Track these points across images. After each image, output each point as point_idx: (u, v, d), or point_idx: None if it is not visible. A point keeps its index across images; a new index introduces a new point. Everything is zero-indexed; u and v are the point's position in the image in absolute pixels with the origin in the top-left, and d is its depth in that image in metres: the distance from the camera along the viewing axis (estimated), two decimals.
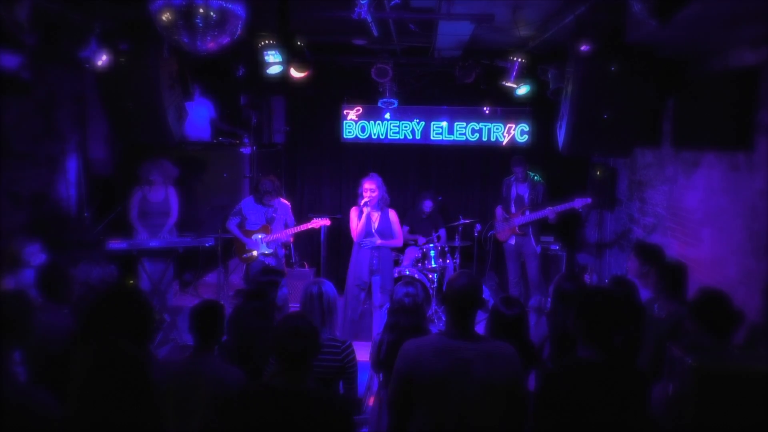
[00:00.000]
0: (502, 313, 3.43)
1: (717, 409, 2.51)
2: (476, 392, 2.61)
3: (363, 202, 5.98)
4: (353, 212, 6.12)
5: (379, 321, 6.15)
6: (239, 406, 2.54)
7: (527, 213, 6.96)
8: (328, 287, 3.66)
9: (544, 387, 2.70)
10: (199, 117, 7.31)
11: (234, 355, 3.63)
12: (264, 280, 4.09)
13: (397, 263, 7.40)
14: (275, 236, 6.30)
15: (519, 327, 3.44)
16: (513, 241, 7.17)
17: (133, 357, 2.11)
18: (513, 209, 7.12)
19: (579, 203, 6.67)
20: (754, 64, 4.44)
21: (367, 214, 6.03)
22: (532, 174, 7.15)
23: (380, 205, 6.08)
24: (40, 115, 5.72)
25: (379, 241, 6.06)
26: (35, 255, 4.45)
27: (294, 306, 4.13)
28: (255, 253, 6.29)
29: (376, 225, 6.09)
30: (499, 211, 7.30)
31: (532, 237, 7.07)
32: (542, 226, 7.11)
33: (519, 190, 7.13)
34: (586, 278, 7.31)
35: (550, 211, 6.72)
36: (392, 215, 6.17)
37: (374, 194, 5.98)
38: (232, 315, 3.95)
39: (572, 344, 2.77)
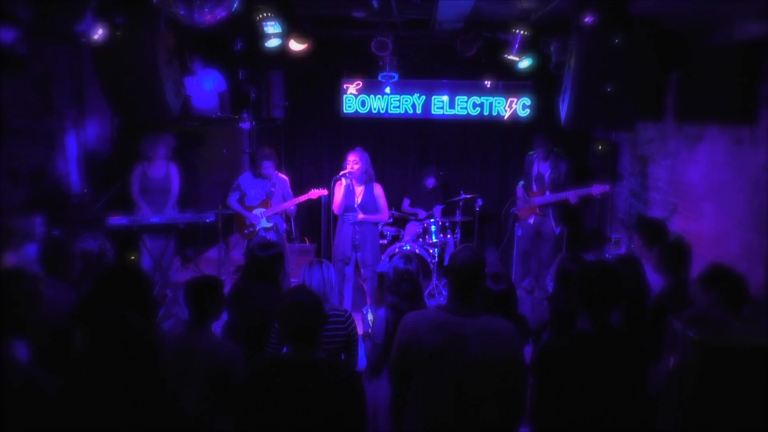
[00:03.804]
0: (489, 289, 3.43)
1: (718, 383, 2.51)
2: (471, 368, 2.63)
3: (343, 172, 5.95)
4: (337, 185, 6.07)
5: (373, 293, 6.20)
6: (255, 381, 2.59)
7: (547, 193, 6.74)
8: (327, 267, 3.69)
9: (540, 360, 2.71)
10: (204, 88, 7.24)
11: (242, 336, 3.61)
12: (266, 255, 3.95)
13: (397, 238, 7.41)
14: (275, 209, 6.29)
15: (506, 302, 3.46)
16: (532, 221, 6.95)
17: (140, 331, 2.10)
18: (534, 187, 6.90)
19: (597, 189, 6.45)
20: (760, 36, 4.38)
21: (349, 186, 5.98)
22: (557, 150, 6.84)
23: (363, 179, 6.03)
24: (36, 91, 5.66)
25: (360, 216, 6.02)
26: (39, 227, 4.44)
27: (295, 282, 4.12)
28: (256, 227, 6.29)
29: (359, 199, 6.06)
30: (519, 189, 7.07)
31: (551, 218, 6.85)
32: (564, 208, 6.86)
33: (540, 168, 6.86)
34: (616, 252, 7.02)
35: (572, 195, 6.51)
36: (377, 189, 6.11)
37: (357, 166, 5.93)
38: (237, 295, 3.90)
39: (573, 326, 2.78)
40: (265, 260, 3.92)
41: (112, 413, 1.97)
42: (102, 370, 2.01)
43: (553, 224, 6.87)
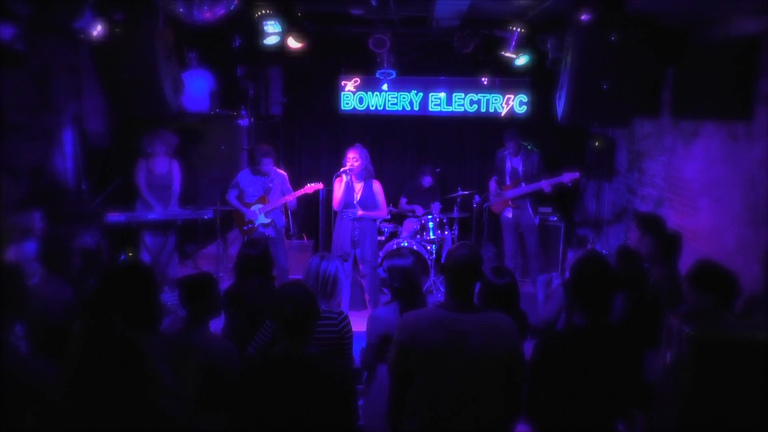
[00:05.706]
0: (493, 283, 3.41)
1: (715, 378, 2.53)
2: (474, 364, 2.62)
3: (344, 169, 5.97)
4: (336, 181, 6.10)
5: (371, 290, 6.23)
6: (247, 376, 2.61)
7: (522, 185, 6.89)
8: (328, 262, 3.65)
9: (536, 354, 2.73)
10: (196, 88, 7.23)
11: (243, 336, 3.57)
12: (257, 253, 3.98)
13: (395, 235, 7.43)
14: (272, 205, 6.31)
15: (510, 297, 3.44)
16: (510, 214, 7.09)
17: (126, 337, 2.10)
18: (508, 182, 7.04)
19: (567, 177, 6.61)
20: (755, 32, 4.41)
21: (348, 183, 6.00)
22: (526, 144, 7.01)
23: (363, 176, 6.06)
24: (34, 87, 5.65)
25: (360, 212, 6.04)
26: (38, 222, 4.45)
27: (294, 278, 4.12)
28: (255, 223, 6.30)
29: (358, 196, 6.08)
30: (492, 184, 7.22)
31: (529, 209, 6.99)
32: (540, 198, 7.05)
33: (513, 163, 7.00)
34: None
35: (545, 184, 6.66)
36: (376, 186, 6.14)
37: (357, 163, 5.95)
38: (233, 297, 3.88)
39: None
40: (257, 258, 3.94)
41: (100, 415, 1.98)
42: (88, 373, 2.02)
43: (531, 214, 6.98)
